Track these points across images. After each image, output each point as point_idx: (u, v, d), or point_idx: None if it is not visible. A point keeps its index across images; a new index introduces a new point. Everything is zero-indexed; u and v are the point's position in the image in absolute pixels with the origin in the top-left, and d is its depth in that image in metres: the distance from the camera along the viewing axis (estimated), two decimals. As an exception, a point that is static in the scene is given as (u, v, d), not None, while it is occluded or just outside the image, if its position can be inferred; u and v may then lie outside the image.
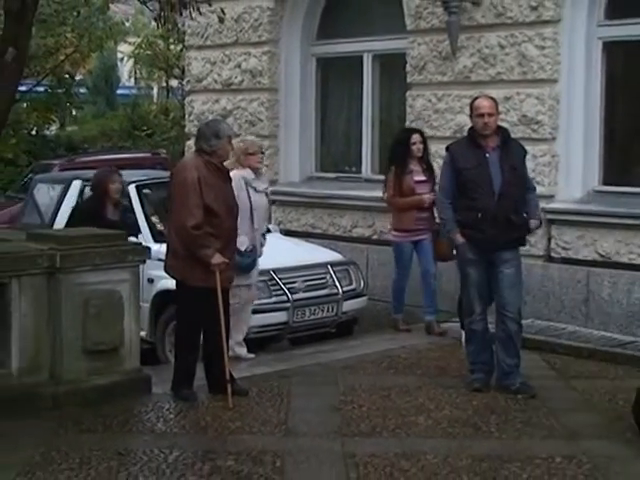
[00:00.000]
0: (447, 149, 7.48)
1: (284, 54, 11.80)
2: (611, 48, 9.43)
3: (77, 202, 9.69)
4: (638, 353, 8.17)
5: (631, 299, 8.77)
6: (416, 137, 9.35)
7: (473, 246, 7.23)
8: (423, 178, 9.33)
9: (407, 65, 10.44)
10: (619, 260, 8.93)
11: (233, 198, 7.20)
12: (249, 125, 11.88)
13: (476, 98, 7.42)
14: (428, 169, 9.40)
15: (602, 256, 9.03)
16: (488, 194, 7.14)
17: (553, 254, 9.36)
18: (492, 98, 7.45)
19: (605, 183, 9.41)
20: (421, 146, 9.35)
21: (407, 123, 10.42)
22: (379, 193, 10.63)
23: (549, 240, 9.38)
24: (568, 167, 9.43)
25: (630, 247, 8.87)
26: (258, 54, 11.79)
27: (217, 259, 6.81)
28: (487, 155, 7.20)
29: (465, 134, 7.51)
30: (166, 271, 7.23)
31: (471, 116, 7.36)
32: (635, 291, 8.77)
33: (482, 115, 7.20)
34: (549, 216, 9.32)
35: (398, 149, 9.42)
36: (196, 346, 7.16)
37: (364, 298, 9.58)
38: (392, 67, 11.05)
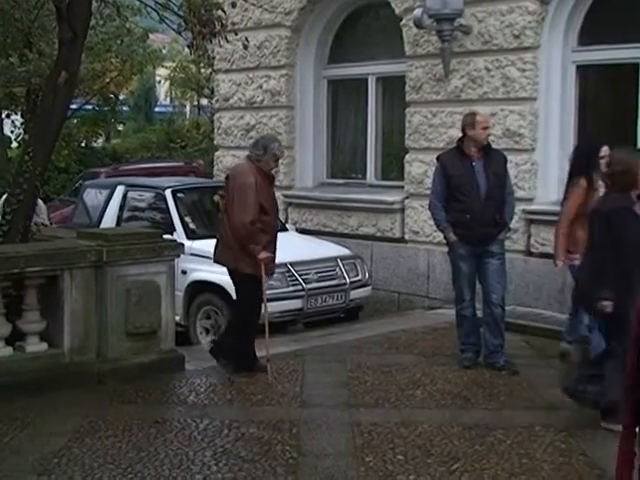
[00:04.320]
0: (437, 158, 7.47)
1: (299, 76, 11.76)
2: (584, 70, 9.38)
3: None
4: (606, 335, 8.15)
5: (600, 288, 8.72)
6: (606, 150, 6.98)
7: (464, 243, 7.21)
8: None
9: (406, 86, 10.39)
10: (590, 254, 8.87)
11: (276, 199, 7.28)
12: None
13: (474, 114, 7.34)
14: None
15: (575, 251, 8.98)
16: (475, 198, 7.12)
17: (532, 249, 9.32)
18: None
19: (578, 187, 9.35)
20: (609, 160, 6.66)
21: (406, 136, 10.38)
22: (382, 197, 10.65)
23: (529, 237, 9.34)
24: (545, 174, 9.38)
25: (599, 243, 8.81)
26: (277, 76, 11.77)
27: (263, 255, 6.85)
28: (473, 164, 7.19)
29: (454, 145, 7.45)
30: (217, 261, 7.19)
31: (465, 129, 7.25)
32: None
33: (486, 128, 7.25)
34: (529, 216, 9.30)
35: (586, 160, 7.10)
36: (256, 323, 7.08)
37: (368, 288, 9.56)
38: (393, 87, 11.00)
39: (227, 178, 7.24)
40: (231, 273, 7.14)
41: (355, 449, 5.37)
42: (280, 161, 11.56)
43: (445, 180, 7.24)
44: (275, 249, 7.11)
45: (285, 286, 8.70)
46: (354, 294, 9.22)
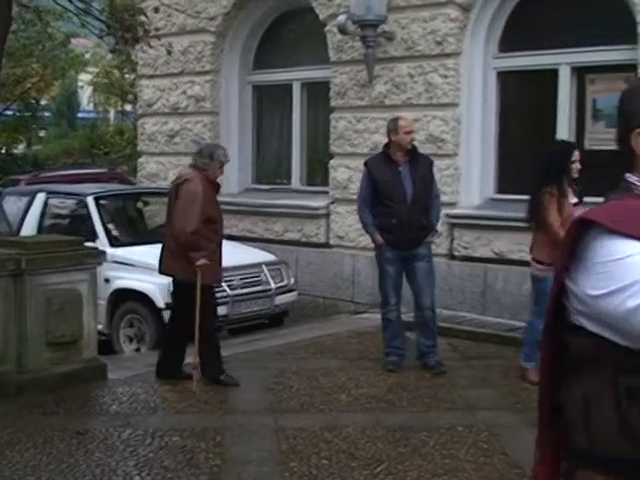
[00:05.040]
0: (365, 164, 7.53)
1: (224, 82, 11.74)
2: (504, 77, 9.56)
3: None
4: (527, 337, 8.30)
5: (521, 291, 8.87)
6: (577, 155, 6.83)
7: (391, 247, 7.27)
8: (576, 200, 6.83)
9: (330, 91, 10.46)
10: (511, 257, 9.05)
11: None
12: (194, 144, 11.79)
13: (397, 119, 7.41)
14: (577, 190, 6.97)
15: (497, 254, 9.15)
16: (402, 203, 7.19)
17: (455, 253, 9.46)
18: None
19: (499, 192, 9.54)
20: (579, 166, 6.83)
21: (331, 142, 10.44)
22: (307, 202, 10.68)
23: (452, 241, 9.48)
24: (468, 178, 9.54)
25: (520, 246, 8.94)
26: (201, 82, 11.73)
27: (202, 261, 6.74)
28: (400, 169, 7.27)
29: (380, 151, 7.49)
30: (164, 272, 7.08)
31: (389, 134, 7.34)
32: (525, 284, 8.83)
33: (409, 132, 7.31)
34: (452, 220, 9.43)
35: (557, 166, 6.77)
36: (215, 330, 7.06)
37: (294, 293, 9.58)
38: (318, 93, 11.05)
39: (173, 186, 7.13)
40: (179, 284, 7.04)
41: (279, 455, 5.38)
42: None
43: (372, 185, 7.31)
44: (221, 258, 7.06)
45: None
46: (279, 300, 9.24)
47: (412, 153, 7.36)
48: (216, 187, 7.14)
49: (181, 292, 7.04)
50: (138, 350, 8.69)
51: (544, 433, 2.21)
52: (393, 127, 7.33)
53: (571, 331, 2.03)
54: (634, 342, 1.87)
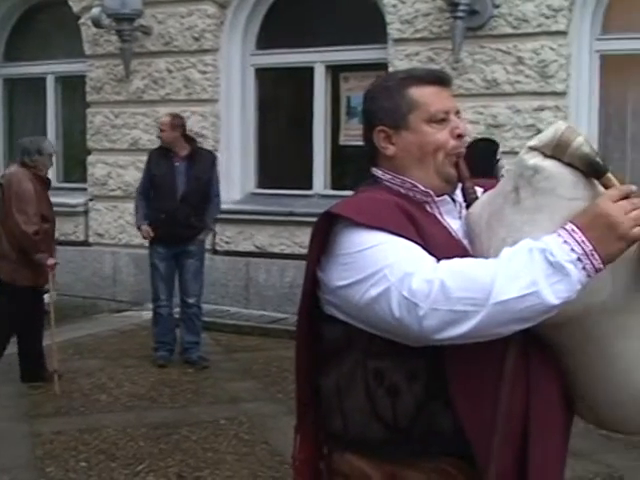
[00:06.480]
0: (149, 153, 7.42)
1: (-29, 75, 11.06)
2: (262, 73, 9.64)
3: None
4: (288, 327, 8.33)
5: (283, 282, 9.00)
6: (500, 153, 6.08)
7: (160, 241, 7.16)
8: None
9: (87, 86, 10.10)
10: (272, 251, 9.14)
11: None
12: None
13: (164, 116, 7.40)
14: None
15: (258, 248, 9.21)
16: (171, 199, 7.11)
17: (218, 247, 9.41)
18: (177, 116, 7.38)
19: (259, 187, 9.62)
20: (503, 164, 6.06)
21: (88, 137, 10.07)
22: (64, 199, 10.25)
23: (214, 236, 9.41)
24: (229, 173, 9.50)
25: (280, 239, 9.10)
26: (-54, 74, 10.97)
27: (51, 261, 6.57)
28: (176, 164, 7.17)
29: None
30: None
31: None
32: (285, 276, 9.01)
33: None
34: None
35: (482, 165, 5.54)
36: (9, 339, 6.74)
37: (53, 293, 9.15)
38: (73, 87, 10.64)
39: (3, 186, 6.66)
40: (3, 285, 6.65)
41: (35, 460, 5.13)
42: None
43: (148, 177, 7.23)
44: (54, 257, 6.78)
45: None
46: (37, 301, 8.78)
47: (192, 149, 7.28)
48: (47, 183, 6.78)
49: (5, 294, 6.69)
50: None
51: (304, 419, 2.22)
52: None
53: (324, 320, 2.06)
54: (376, 329, 1.90)
